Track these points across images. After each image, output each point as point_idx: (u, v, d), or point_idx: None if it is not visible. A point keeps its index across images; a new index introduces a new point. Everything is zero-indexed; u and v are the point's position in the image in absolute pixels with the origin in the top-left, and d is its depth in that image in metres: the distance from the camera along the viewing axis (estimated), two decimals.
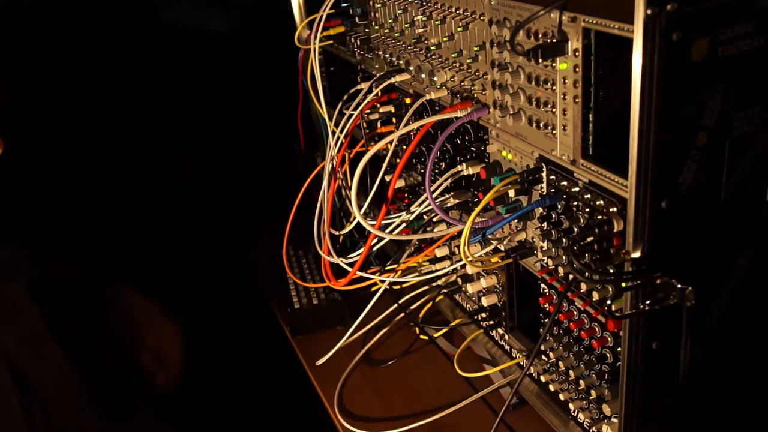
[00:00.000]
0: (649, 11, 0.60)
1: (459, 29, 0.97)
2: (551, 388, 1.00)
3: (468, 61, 0.97)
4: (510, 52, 0.86)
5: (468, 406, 1.11)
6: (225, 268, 1.79)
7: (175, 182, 2.01)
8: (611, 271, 0.75)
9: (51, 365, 1.01)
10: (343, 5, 1.34)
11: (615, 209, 0.75)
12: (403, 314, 1.30)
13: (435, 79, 1.06)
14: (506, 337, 1.14)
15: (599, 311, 0.84)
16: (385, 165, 1.13)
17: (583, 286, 0.79)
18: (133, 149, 2.03)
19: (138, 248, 1.79)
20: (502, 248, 1.01)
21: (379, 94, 1.23)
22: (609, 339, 0.84)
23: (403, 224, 1.07)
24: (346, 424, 1.12)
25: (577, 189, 0.81)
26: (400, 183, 1.31)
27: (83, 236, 1.74)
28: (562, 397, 0.98)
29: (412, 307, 1.28)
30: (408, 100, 1.21)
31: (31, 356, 1.00)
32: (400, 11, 1.13)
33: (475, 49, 0.94)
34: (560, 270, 0.89)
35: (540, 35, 0.78)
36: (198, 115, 2.07)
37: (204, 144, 2.06)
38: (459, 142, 1.08)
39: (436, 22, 1.01)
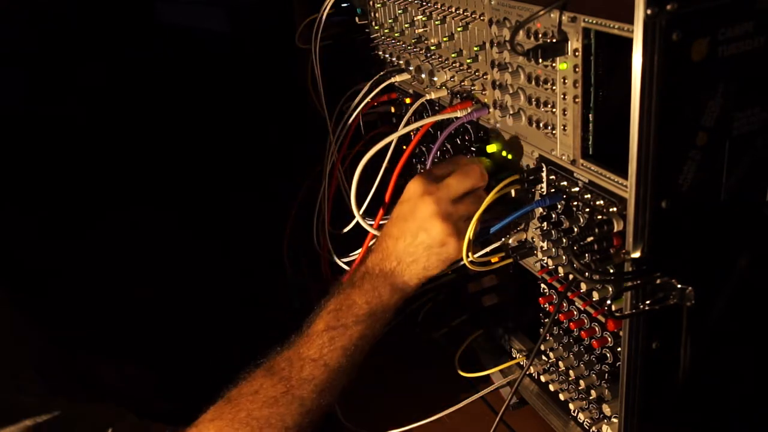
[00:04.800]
0: (649, 11, 0.60)
1: (459, 29, 0.97)
2: (551, 388, 1.00)
3: (468, 61, 0.97)
4: (510, 52, 0.86)
5: (468, 406, 1.11)
6: (223, 267, 1.78)
7: (173, 183, 2.01)
8: (611, 271, 0.75)
9: None
10: (343, 5, 1.34)
11: (615, 209, 0.75)
12: (402, 314, 1.30)
13: (435, 79, 1.06)
14: (506, 337, 1.14)
15: (599, 311, 0.84)
16: (384, 165, 1.13)
17: (583, 286, 0.79)
18: (133, 149, 2.03)
19: (135, 248, 1.78)
20: (502, 248, 1.01)
21: (379, 94, 1.23)
22: (609, 339, 0.84)
23: None
24: (346, 424, 1.12)
25: (577, 189, 0.81)
26: (400, 183, 1.31)
27: (81, 236, 1.74)
28: (562, 397, 0.98)
29: (412, 307, 1.28)
30: (408, 100, 1.21)
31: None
32: (400, 11, 1.12)
33: (475, 49, 0.94)
34: (560, 270, 0.89)
35: (540, 35, 0.78)
36: (198, 115, 2.06)
37: (204, 144, 2.06)
38: (459, 142, 1.08)
39: (436, 22, 1.01)
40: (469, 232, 0.87)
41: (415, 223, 0.86)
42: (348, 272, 0.94)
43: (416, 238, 0.86)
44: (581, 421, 0.96)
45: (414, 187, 0.88)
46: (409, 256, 0.87)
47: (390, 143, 1.12)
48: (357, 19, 1.31)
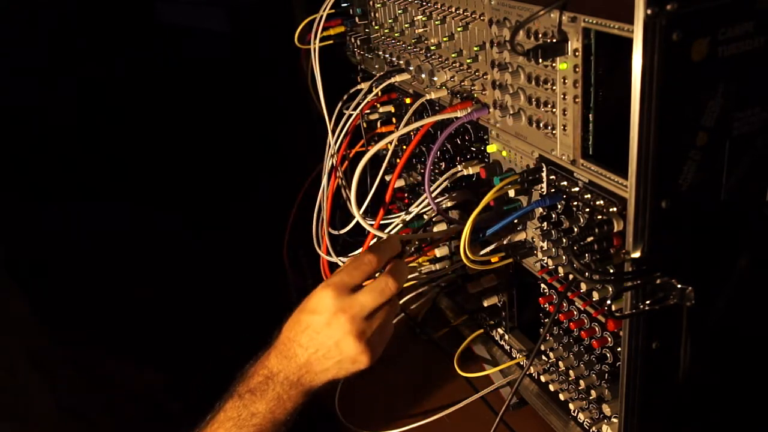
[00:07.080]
0: (649, 11, 0.60)
1: (459, 29, 0.97)
2: (551, 388, 1.00)
3: (468, 61, 0.97)
4: (510, 52, 0.86)
5: (468, 406, 1.11)
6: (223, 267, 1.78)
7: (173, 183, 2.01)
8: (611, 271, 0.75)
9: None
10: (343, 5, 1.34)
11: (615, 209, 0.75)
12: (403, 314, 1.30)
13: (435, 79, 1.06)
14: (506, 337, 1.14)
15: (599, 311, 0.84)
16: (384, 165, 1.13)
17: (583, 286, 0.79)
18: (133, 149, 2.03)
19: (135, 247, 1.78)
20: (503, 248, 1.01)
21: (379, 94, 1.23)
22: (609, 339, 0.84)
23: (402, 224, 1.07)
24: (346, 424, 1.12)
25: (577, 189, 0.81)
26: (400, 183, 1.31)
27: (82, 236, 1.74)
28: (562, 397, 0.98)
29: (412, 307, 1.28)
30: (408, 100, 1.21)
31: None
32: (400, 11, 1.12)
33: (475, 49, 0.94)
34: (560, 270, 0.89)
35: (540, 35, 0.78)
36: (197, 115, 2.07)
37: (203, 144, 2.06)
38: (459, 142, 1.08)
39: (436, 22, 1.01)
40: (466, 233, 0.87)
41: (327, 338, 0.83)
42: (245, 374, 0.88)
43: (329, 352, 0.84)
44: (581, 421, 0.96)
45: (325, 300, 0.83)
46: (320, 365, 0.85)
47: (390, 143, 1.12)
48: (357, 19, 1.31)
